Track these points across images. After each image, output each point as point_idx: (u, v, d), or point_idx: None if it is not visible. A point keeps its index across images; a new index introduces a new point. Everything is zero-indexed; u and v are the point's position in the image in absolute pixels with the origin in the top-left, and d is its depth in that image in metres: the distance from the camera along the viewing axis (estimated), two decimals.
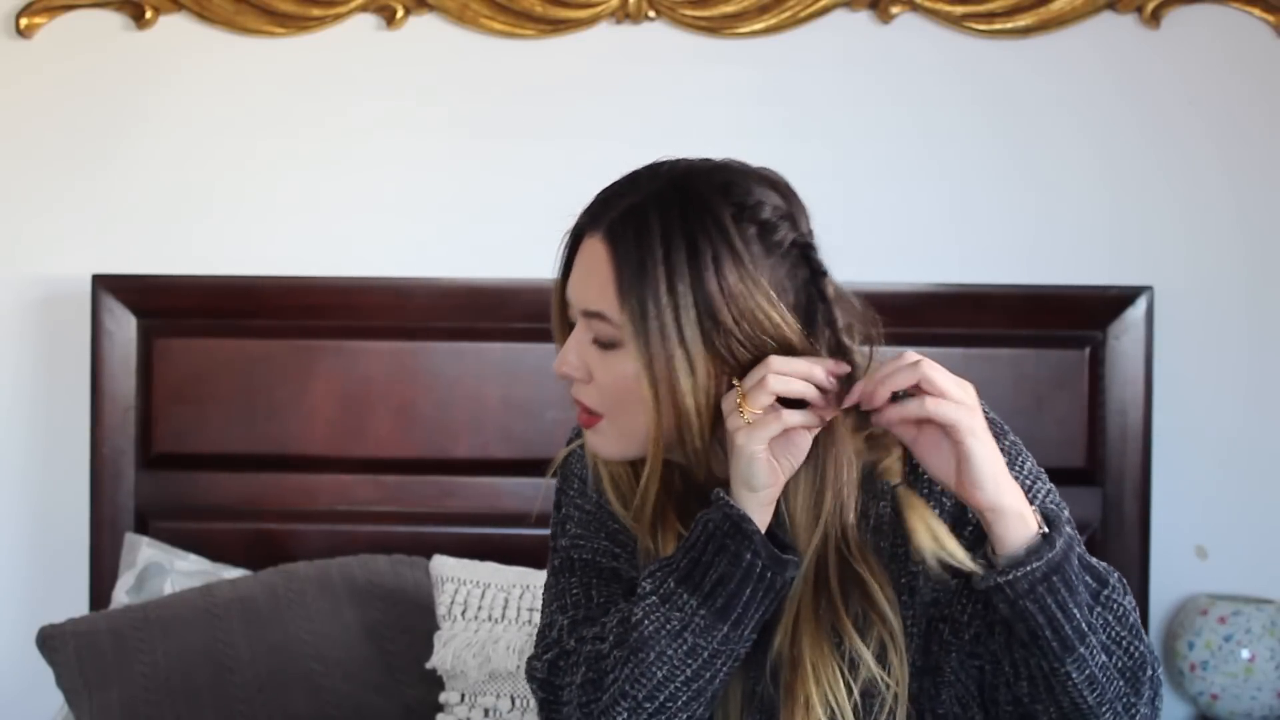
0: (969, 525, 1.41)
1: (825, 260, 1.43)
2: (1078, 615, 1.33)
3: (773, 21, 2.83)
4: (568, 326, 1.47)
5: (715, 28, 2.84)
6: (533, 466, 2.85)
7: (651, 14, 2.84)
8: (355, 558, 2.57)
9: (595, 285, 1.40)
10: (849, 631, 1.39)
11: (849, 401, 1.35)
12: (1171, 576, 2.81)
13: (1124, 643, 1.36)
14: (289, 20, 2.85)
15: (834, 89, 2.85)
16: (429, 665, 2.33)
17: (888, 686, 1.40)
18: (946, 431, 1.32)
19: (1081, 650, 1.33)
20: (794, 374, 1.35)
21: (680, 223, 1.38)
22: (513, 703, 2.30)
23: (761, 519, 1.37)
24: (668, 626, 1.36)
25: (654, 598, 1.37)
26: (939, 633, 1.44)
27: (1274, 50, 2.82)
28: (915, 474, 1.42)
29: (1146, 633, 1.40)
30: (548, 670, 1.45)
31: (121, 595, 2.62)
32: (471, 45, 2.86)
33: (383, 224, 2.86)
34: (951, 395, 1.32)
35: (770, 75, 2.85)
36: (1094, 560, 1.38)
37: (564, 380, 1.45)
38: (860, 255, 2.80)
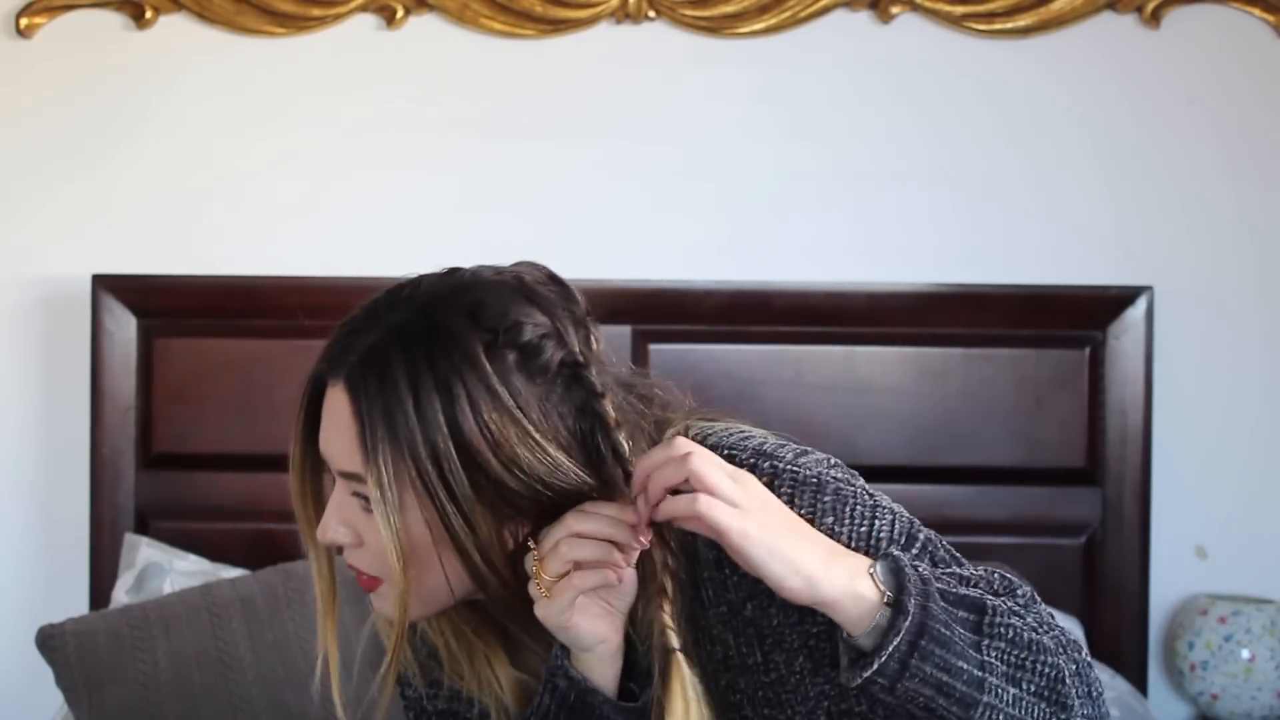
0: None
1: (596, 379, 1.26)
2: (965, 666, 1.17)
3: (773, 21, 2.83)
4: (310, 484, 1.34)
5: (715, 28, 2.84)
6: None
7: (651, 14, 2.84)
8: None
9: (343, 441, 1.25)
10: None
11: (640, 529, 1.21)
12: (1171, 576, 2.81)
13: (1027, 664, 1.20)
14: (289, 20, 2.85)
15: (834, 89, 2.85)
16: None
17: None
18: (719, 537, 1.17)
19: (986, 699, 1.17)
20: (594, 535, 1.22)
21: (426, 363, 1.22)
22: None
23: (610, 670, 1.26)
24: None
25: None
26: None
27: (1274, 50, 2.82)
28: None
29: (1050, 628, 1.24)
30: None
31: (121, 595, 2.62)
32: (471, 45, 2.86)
33: (383, 224, 2.86)
34: (721, 492, 1.16)
35: (770, 75, 2.85)
36: (961, 589, 1.21)
37: (332, 547, 1.31)
38: (860, 255, 2.80)
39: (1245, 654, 2.67)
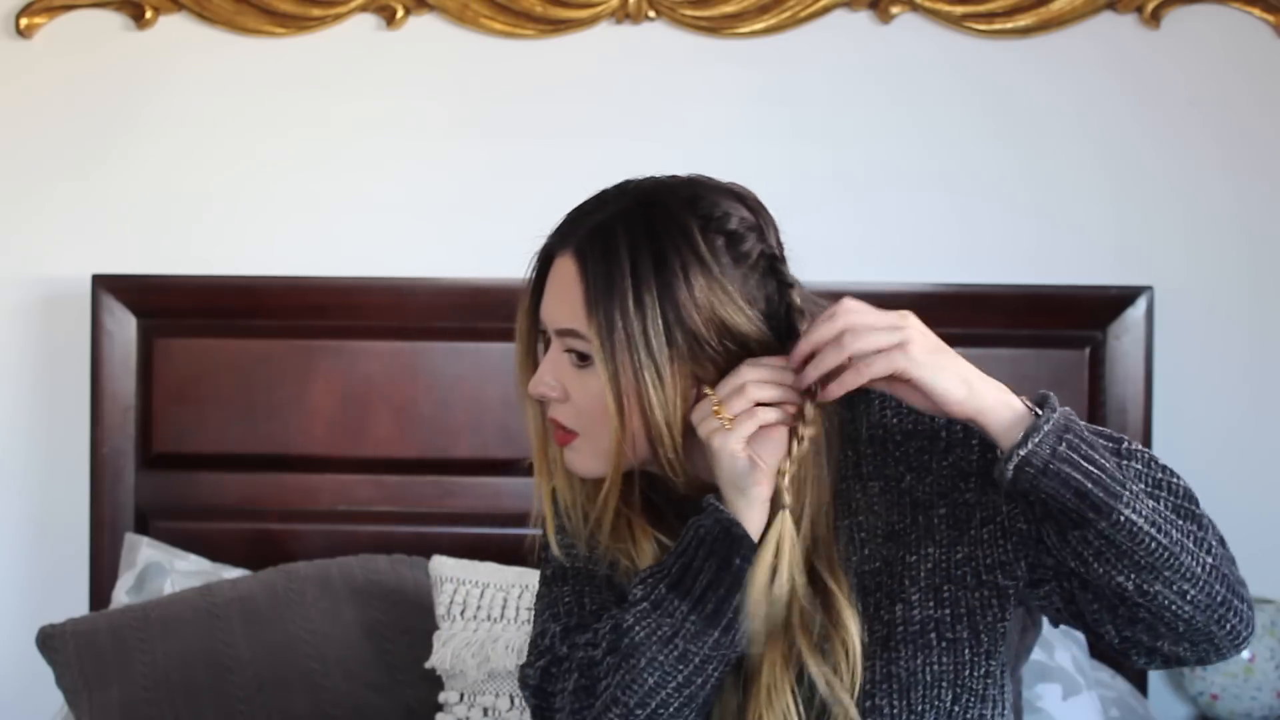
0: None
1: (793, 272, 1.45)
2: (1107, 464, 1.31)
3: (773, 21, 2.83)
4: (532, 348, 1.48)
5: (715, 28, 2.84)
6: (532, 466, 2.85)
7: (651, 14, 2.84)
8: (355, 558, 2.57)
9: (566, 303, 1.41)
10: (810, 653, 1.38)
11: (805, 383, 1.37)
12: None
13: (1164, 483, 1.34)
14: (289, 20, 2.85)
15: (834, 89, 2.85)
16: (428, 665, 2.33)
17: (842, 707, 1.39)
18: (898, 376, 1.34)
19: (1126, 495, 1.30)
20: (771, 380, 1.37)
21: (647, 236, 1.38)
22: (512, 702, 2.30)
23: (755, 522, 1.37)
24: (659, 633, 1.36)
25: (645, 604, 1.37)
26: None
27: (1274, 50, 2.82)
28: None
29: None
30: (540, 677, 1.46)
31: (121, 595, 2.62)
32: (471, 45, 2.86)
33: (383, 224, 2.86)
34: (880, 345, 1.33)
35: (770, 75, 2.85)
36: (1099, 427, 1.37)
37: (541, 400, 1.46)
38: (860, 255, 2.80)
39: (1245, 654, 2.67)
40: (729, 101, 2.84)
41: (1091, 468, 1.30)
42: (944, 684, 1.41)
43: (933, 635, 1.41)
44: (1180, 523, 1.33)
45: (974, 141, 2.84)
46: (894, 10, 2.82)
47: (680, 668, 1.36)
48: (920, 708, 1.41)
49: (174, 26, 2.86)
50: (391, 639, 2.41)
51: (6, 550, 2.89)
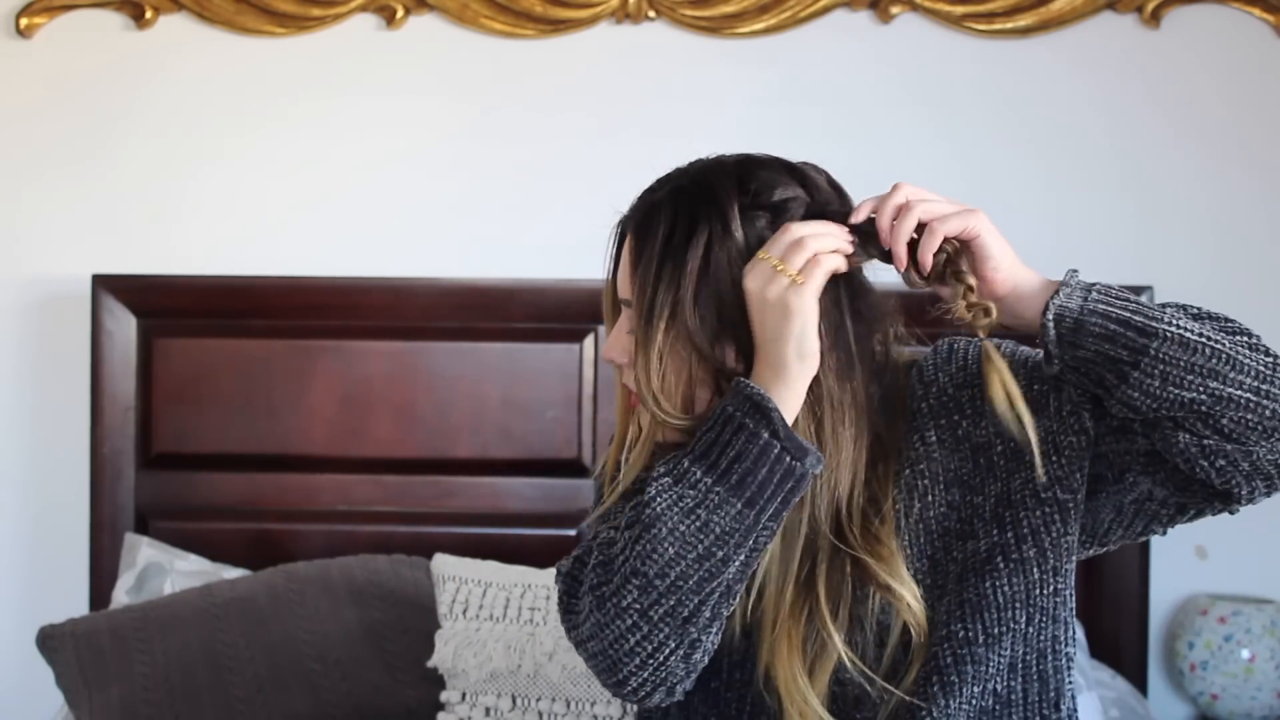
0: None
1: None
2: (1144, 303, 1.38)
3: (773, 21, 2.83)
4: (616, 319, 1.53)
5: (715, 28, 2.84)
6: (533, 466, 2.86)
7: (651, 14, 2.84)
8: (355, 558, 2.57)
9: (624, 275, 1.47)
10: (830, 633, 1.41)
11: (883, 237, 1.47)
12: (1171, 576, 2.81)
13: (1204, 314, 1.39)
14: (289, 20, 2.85)
15: (834, 89, 2.85)
16: (430, 664, 2.33)
17: (871, 682, 1.42)
18: (961, 238, 1.42)
19: (1167, 315, 1.36)
20: (823, 232, 1.43)
21: (687, 211, 1.44)
22: (513, 702, 2.30)
23: (793, 403, 1.38)
24: (680, 504, 1.36)
25: (667, 478, 1.37)
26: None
27: (1274, 50, 2.82)
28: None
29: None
30: (572, 564, 1.45)
31: (121, 595, 2.62)
32: (471, 45, 2.86)
33: (383, 224, 2.87)
34: (949, 210, 1.42)
35: (770, 75, 2.85)
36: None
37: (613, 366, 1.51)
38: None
39: (1245, 654, 2.67)
40: (729, 101, 2.84)
41: (1127, 303, 1.38)
42: (1017, 605, 1.44)
43: (1000, 559, 1.44)
44: (1228, 336, 1.37)
45: (974, 141, 2.84)
46: (894, 10, 2.82)
47: (700, 538, 1.35)
48: (997, 630, 1.43)
49: (174, 26, 2.86)
50: (392, 639, 2.41)
51: (6, 550, 2.89)
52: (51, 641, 2.44)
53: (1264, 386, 1.36)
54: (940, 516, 1.47)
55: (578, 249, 2.81)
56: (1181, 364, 1.35)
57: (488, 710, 2.31)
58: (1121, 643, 2.74)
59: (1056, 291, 1.41)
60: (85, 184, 2.87)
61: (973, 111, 2.84)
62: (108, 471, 2.76)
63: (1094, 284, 1.41)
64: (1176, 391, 1.35)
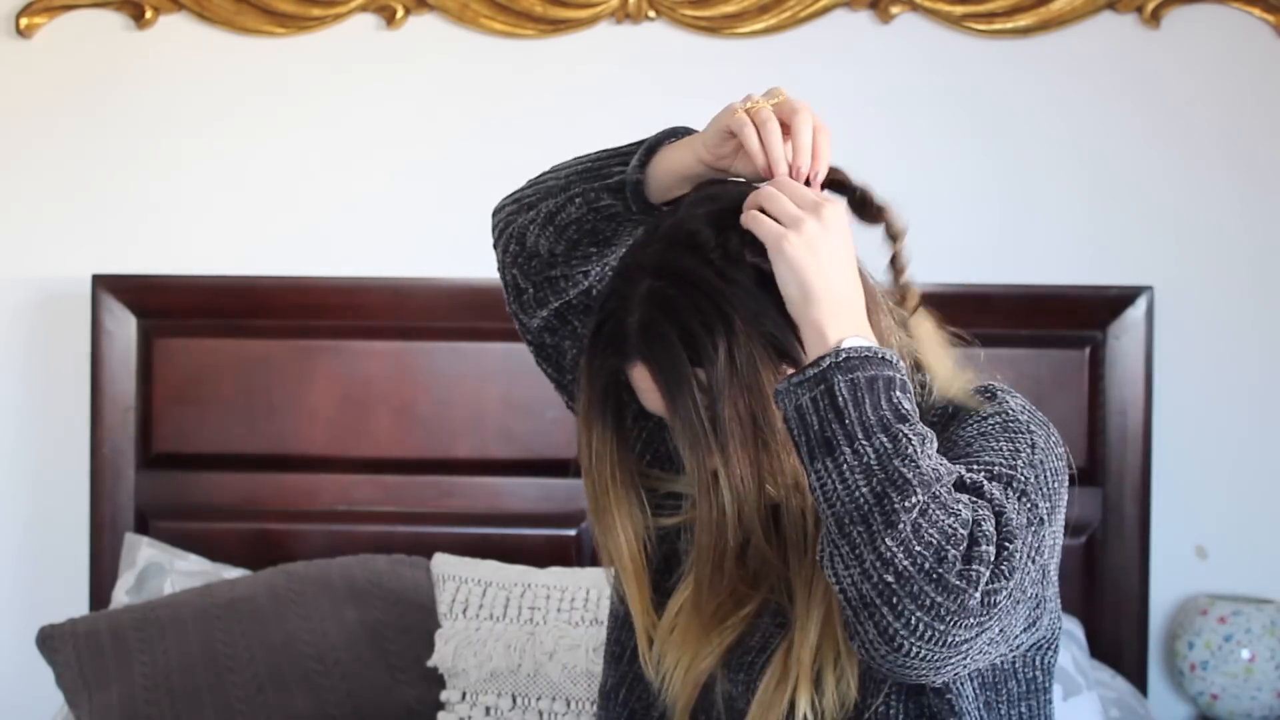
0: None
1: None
2: (840, 425, 1.22)
3: (773, 21, 2.83)
4: (618, 467, 1.43)
5: (715, 28, 2.84)
6: (533, 467, 2.86)
7: (651, 14, 2.84)
8: (355, 558, 2.57)
9: (653, 402, 1.38)
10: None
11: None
12: (1171, 576, 2.81)
13: (890, 468, 1.21)
14: (289, 20, 2.85)
15: (834, 89, 2.84)
16: (430, 663, 2.34)
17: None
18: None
19: (831, 458, 1.22)
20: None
21: (685, 315, 1.33)
22: (514, 701, 2.30)
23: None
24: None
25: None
26: None
27: (1274, 50, 2.82)
28: None
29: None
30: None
31: (121, 595, 2.62)
32: (471, 45, 2.86)
33: (383, 224, 2.86)
34: (784, 214, 1.32)
35: (770, 75, 2.84)
36: (910, 419, 1.24)
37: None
38: (860, 255, 2.80)
39: (1245, 654, 2.67)
40: (729, 101, 2.83)
41: (811, 419, 1.23)
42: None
43: None
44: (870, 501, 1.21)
45: (973, 141, 2.84)
46: (894, 10, 2.82)
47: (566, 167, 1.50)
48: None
49: (174, 26, 2.86)
50: (391, 639, 2.41)
51: (6, 550, 2.89)
52: (51, 641, 2.43)
53: (844, 571, 1.22)
54: None
55: None
56: (821, 496, 1.24)
57: (488, 710, 2.31)
58: (1121, 643, 2.74)
59: (791, 374, 1.27)
60: (85, 184, 2.87)
61: (973, 112, 2.84)
62: (108, 471, 2.76)
63: (822, 380, 1.23)
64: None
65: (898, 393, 1.24)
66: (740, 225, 1.35)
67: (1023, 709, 1.41)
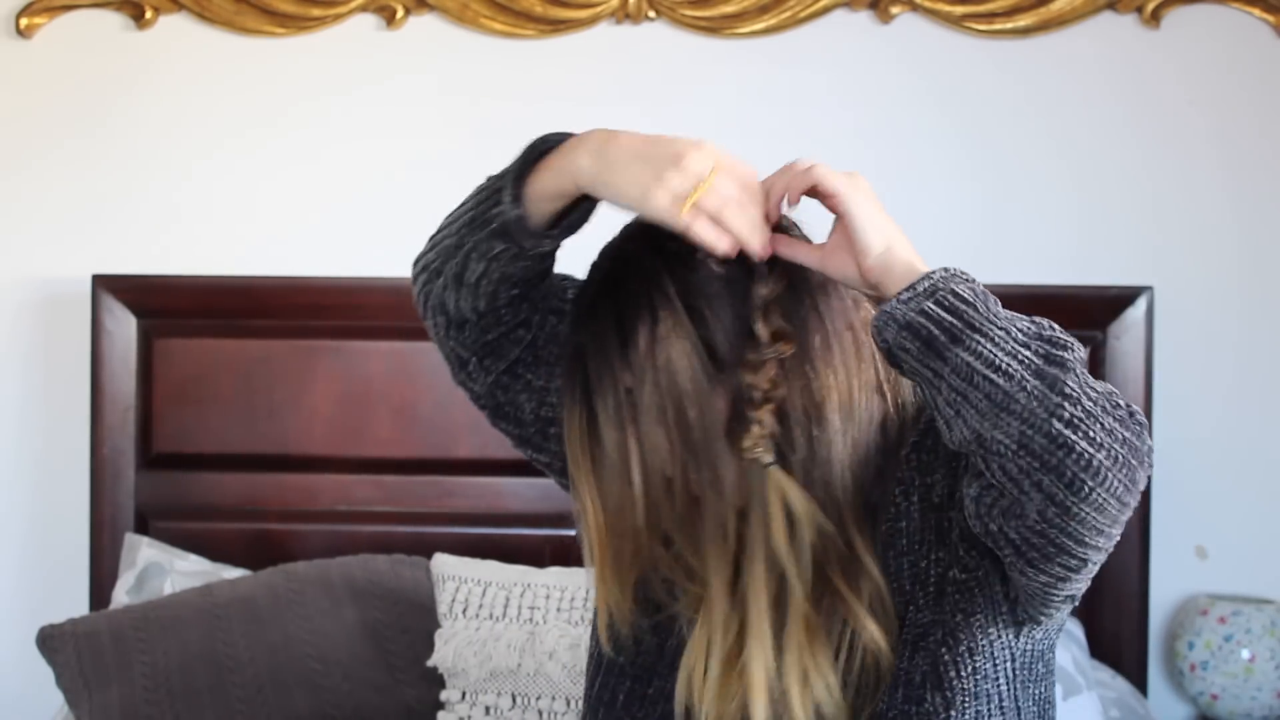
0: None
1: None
2: (982, 308, 1.22)
3: (773, 21, 2.83)
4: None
5: (715, 28, 2.84)
6: (533, 467, 2.85)
7: (651, 14, 2.84)
8: (355, 558, 2.57)
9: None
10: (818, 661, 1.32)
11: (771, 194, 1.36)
12: (1171, 576, 2.81)
13: (1052, 339, 1.23)
14: (289, 20, 2.85)
15: (834, 89, 2.85)
16: (430, 663, 2.34)
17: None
18: (831, 205, 1.32)
19: (967, 344, 1.20)
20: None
21: (618, 299, 1.37)
22: (514, 700, 2.30)
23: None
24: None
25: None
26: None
27: (1274, 50, 2.82)
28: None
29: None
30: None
31: (121, 595, 2.62)
32: (471, 45, 2.86)
33: (383, 224, 2.86)
34: (836, 173, 1.33)
35: (770, 75, 2.85)
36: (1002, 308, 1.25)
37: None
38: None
39: (1245, 654, 2.67)
40: (729, 101, 2.84)
41: (956, 315, 1.22)
42: (931, 685, 1.34)
43: (933, 635, 1.35)
44: (1037, 378, 1.20)
45: (973, 141, 2.84)
46: (894, 10, 2.82)
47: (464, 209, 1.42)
48: (913, 709, 1.34)
49: (174, 26, 2.86)
50: (392, 639, 2.41)
51: (6, 550, 2.89)
52: (51, 641, 2.43)
53: (1027, 437, 1.19)
54: (908, 577, 1.35)
55: (578, 248, 2.81)
56: (961, 396, 1.21)
57: (488, 709, 2.31)
58: (1121, 643, 2.74)
59: (899, 294, 1.24)
60: (85, 184, 2.87)
61: (973, 112, 2.84)
62: (108, 471, 2.76)
63: (943, 287, 1.23)
64: (960, 426, 1.22)
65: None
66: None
67: (1043, 689, 1.40)
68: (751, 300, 1.33)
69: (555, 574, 2.45)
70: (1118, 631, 2.74)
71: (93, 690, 2.37)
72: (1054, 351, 1.21)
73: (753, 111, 2.83)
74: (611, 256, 1.39)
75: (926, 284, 1.23)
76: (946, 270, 1.25)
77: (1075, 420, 1.18)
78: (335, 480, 2.76)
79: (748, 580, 1.33)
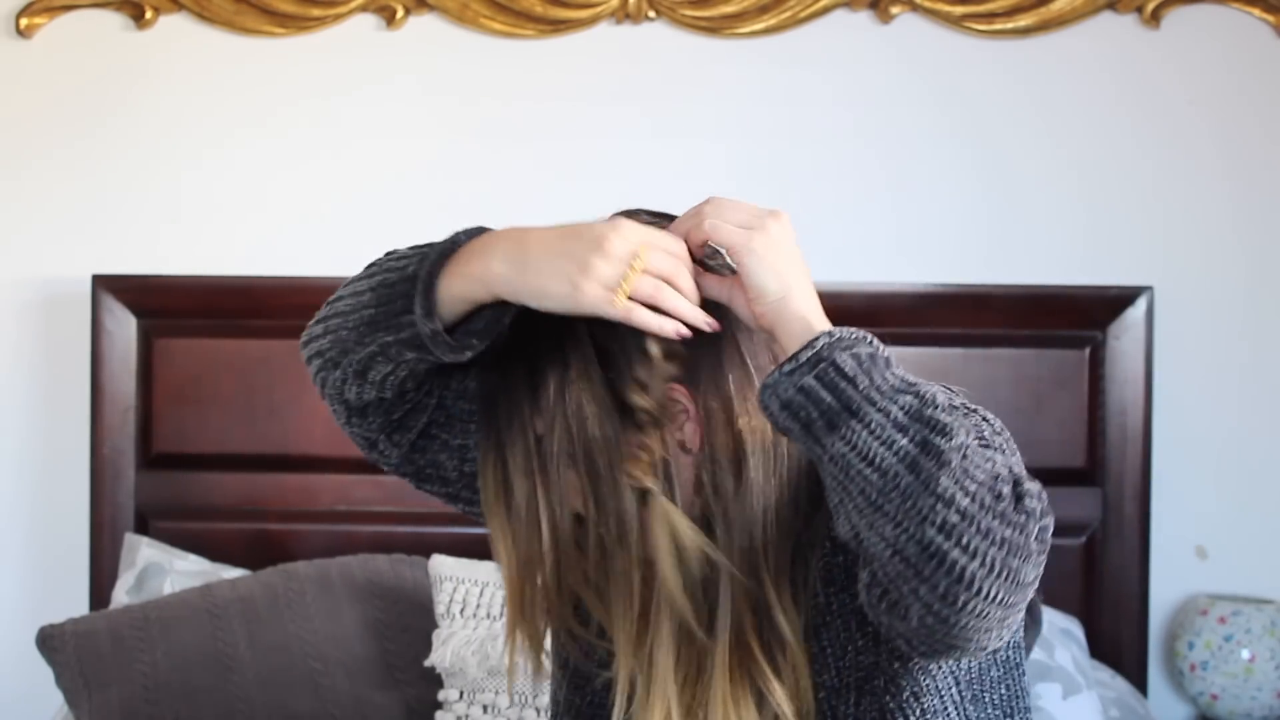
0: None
1: None
2: (863, 384, 1.17)
3: (773, 21, 2.83)
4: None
5: (715, 28, 2.84)
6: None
7: (651, 14, 2.84)
8: (355, 557, 2.57)
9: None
10: (771, 687, 1.28)
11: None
12: (1171, 576, 2.81)
13: (923, 415, 1.16)
14: (289, 20, 2.85)
15: (834, 89, 2.85)
16: (428, 663, 2.34)
17: None
18: (729, 252, 1.24)
19: (858, 420, 1.16)
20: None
21: (533, 345, 1.31)
22: (512, 699, 2.30)
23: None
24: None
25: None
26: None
27: (1274, 50, 2.82)
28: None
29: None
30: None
31: (121, 595, 2.62)
32: (471, 45, 2.86)
33: (383, 224, 2.86)
34: (734, 220, 1.24)
35: (770, 75, 2.85)
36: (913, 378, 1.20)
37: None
38: (860, 255, 2.80)
39: (1245, 654, 2.67)
40: (729, 101, 2.84)
41: (832, 386, 1.17)
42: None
43: (874, 678, 1.31)
44: (905, 468, 1.15)
45: (973, 141, 2.84)
46: (894, 10, 2.82)
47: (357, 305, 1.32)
48: None
49: (174, 26, 2.86)
50: (391, 638, 2.41)
51: (6, 550, 2.89)
52: (51, 641, 2.43)
53: (900, 543, 1.14)
54: (850, 612, 1.31)
55: None
56: (841, 487, 1.17)
57: (486, 708, 2.31)
58: (1121, 643, 2.74)
59: (782, 365, 1.19)
60: (85, 184, 2.87)
61: (973, 112, 2.84)
62: (108, 471, 2.76)
63: (827, 356, 1.17)
64: (842, 519, 1.19)
65: (897, 368, 1.20)
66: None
67: (1003, 691, 1.36)
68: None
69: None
70: (1118, 631, 2.74)
71: (92, 690, 2.37)
72: (932, 439, 1.15)
73: (753, 111, 2.83)
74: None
75: (810, 353, 1.18)
76: (831, 335, 1.20)
77: (948, 526, 1.12)
78: (335, 480, 2.76)
79: (653, 636, 1.29)
